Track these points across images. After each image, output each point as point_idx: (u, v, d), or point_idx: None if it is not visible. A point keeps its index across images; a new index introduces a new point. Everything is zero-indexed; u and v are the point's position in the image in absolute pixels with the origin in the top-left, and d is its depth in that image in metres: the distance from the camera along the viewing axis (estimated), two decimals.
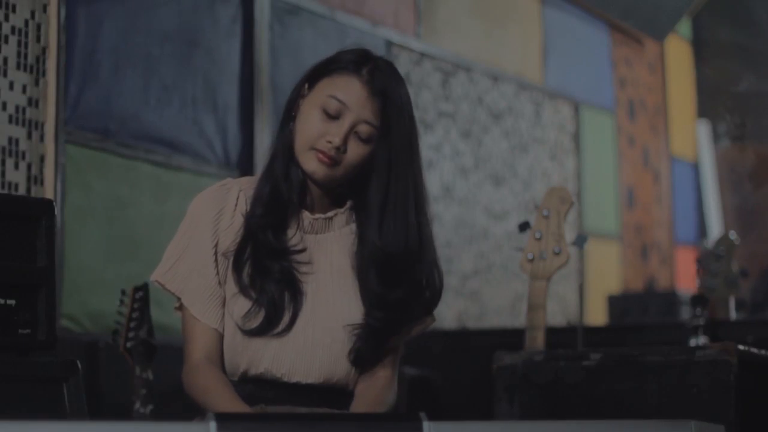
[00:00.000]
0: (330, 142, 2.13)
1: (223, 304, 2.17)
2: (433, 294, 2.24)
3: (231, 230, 2.18)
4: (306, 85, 2.21)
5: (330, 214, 2.21)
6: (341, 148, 2.13)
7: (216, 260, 2.17)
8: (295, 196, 2.19)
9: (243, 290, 2.14)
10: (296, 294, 2.15)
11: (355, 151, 2.15)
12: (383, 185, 2.16)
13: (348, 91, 2.15)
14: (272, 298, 2.12)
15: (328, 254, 2.20)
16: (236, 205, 2.20)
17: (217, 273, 2.17)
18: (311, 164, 2.14)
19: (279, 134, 2.23)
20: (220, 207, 2.19)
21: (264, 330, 2.13)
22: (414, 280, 2.19)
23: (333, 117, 2.15)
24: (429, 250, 2.22)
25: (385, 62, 2.21)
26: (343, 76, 2.17)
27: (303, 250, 2.18)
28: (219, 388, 2.09)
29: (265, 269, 2.14)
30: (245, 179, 2.25)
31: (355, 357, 2.15)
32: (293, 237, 2.19)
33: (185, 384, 2.15)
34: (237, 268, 2.15)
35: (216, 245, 2.17)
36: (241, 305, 2.14)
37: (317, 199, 2.22)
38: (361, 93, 2.15)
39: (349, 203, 2.24)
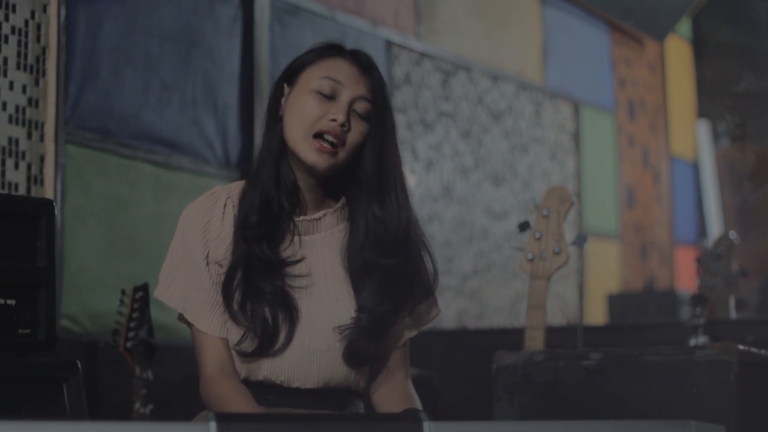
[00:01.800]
0: (334, 120, 2.11)
1: (225, 312, 2.17)
2: (427, 276, 2.21)
3: (221, 239, 2.16)
4: (284, 85, 2.20)
5: (318, 215, 2.20)
6: (345, 125, 2.12)
7: (209, 270, 2.16)
8: (286, 201, 2.16)
9: (233, 317, 2.13)
10: (291, 311, 2.13)
11: (357, 129, 2.14)
12: (378, 159, 2.15)
13: (340, 70, 2.15)
14: (265, 321, 2.10)
15: (320, 258, 2.19)
16: (224, 213, 2.17)
17: (213, 283, 2.15)
18: (311, 156, 2.12)
19: (264, 139, 2.21)
20: (208, 218, 2.17)
21: (260, 352, 2.12)
22: (407, 255, 2.18)
23: (329, 97, 2.14)
24: (416, 228, 2.21)
25: (360, 50, 2.23)
26: (329, 59, 2.17)
27: (299, 261, 2.16)
28: (236, 397, 2.07)
29: (257, 291, 2.12)
30: (234, 185, 2.23)
31: (349, 358, 2.14)
32: (288, 247, 2.17)
33: (203, 397, 2.13)
34: (226, 296, 2.13)
35: (207, 255, 2.15)
36: (233, 333, 2.13)
37: (308, 199, 2.20)
38: (353, 70, 2.16)
39: (341, 201, 2.23)
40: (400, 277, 2.16)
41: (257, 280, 2.13)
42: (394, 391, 2.19)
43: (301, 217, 2.19)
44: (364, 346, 2.14)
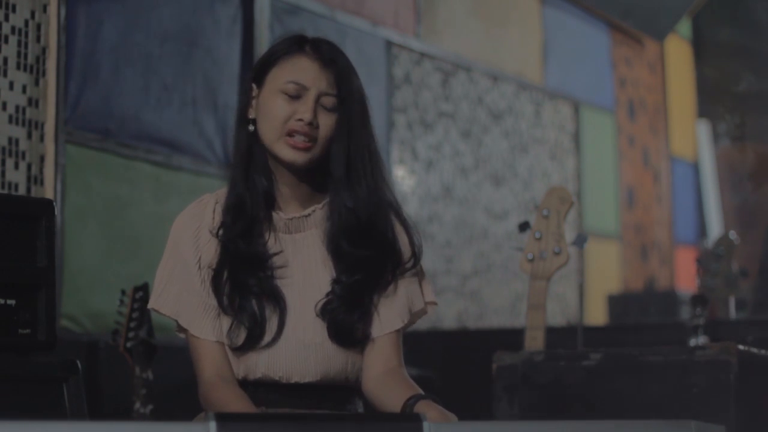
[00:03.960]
0: (301, 119, 2.14)
1: (219, 315, 2.17)
2: (400, 246, 2.22)
3: (212, 244, 2.18)
4: (253, 86, 2.22)
5: (307, 211, 2.22)
6: (313, 123, 2.14)
7: (201, 275, 2.17)
8: (261, 201, 2.19)
9: (224, 311, 2.15)
10: (278, 301, 2.15)
11: (326, 123, 2.16)
12: (344, 149, 2.17)
13: (301, 70, 2.17)
14: (252, 313, 2.13)
15: (307, 252, 2.20)
16: (213, 218, 2.20)
17: (205, 287, 2.17)
18: (288, 153, 2.15)
19: (234, 141, 2.23)
20: (198, 224, 2.20)
21: (250, 345, 2.14)
22: (377, 240, 2.19)
23: (295, 98, 2.16)
24: (390, 206, 2.22)
25: (322, 38, 2.23)
26: (291, 58, 2.19)
27: (278, 253, 2.18)
28: (234, 402, 2.08)
29: (243, 285, 2.14)
30: (222, 191, 2.25)
31: (336, 335, 2.15)
32: (267, 241, 2.19)
33: (202, 403, 2.15)
34: (217, 291, 2.15)
35: (199, 260, 2.18)
36: (224, 324, 2.15)
37: (292, 195, 2.22)
38: (313, 67, 2.18)
39: (328, 197, 2.24)
40: (374, 251, 2.19)
41: (241, 276, 2.15)
42: (394, 378, 2.18)
43: (291, 215, 2.20)
44: (343, 315, 2.15)
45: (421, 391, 2.11)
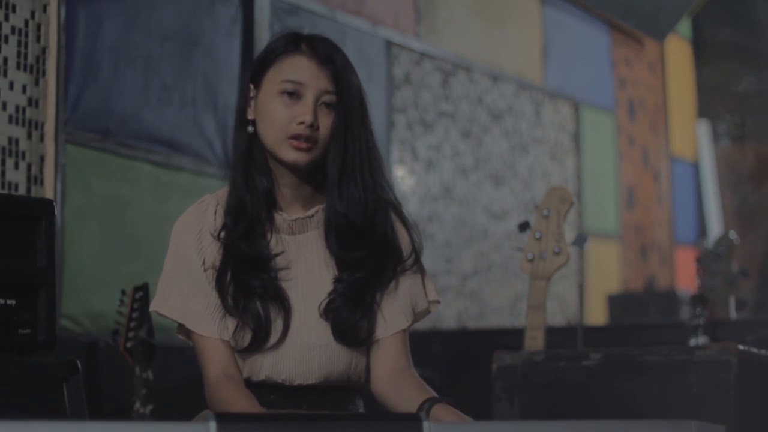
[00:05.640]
0: (302, 122, 2.13)
1: (225, 315, 2.17)
2: (400, 245, 2.22)
3: (214, 246, 2.18)
4: (251, 86, 2.21)
5: (310, 212, 2.21)
6: (314, 125, 2.14)
7: (207, 276, 2.16)
8: (262, 203, 2.18)
9: (229, 312, 2.14)
10: (283, 303, 2.15)
11: (326, 123, 2.16)
12: (341, 149, 2.16)
13: (299, 69, 2.16)
14: (257, 315, 2.12)
15: (310, 253, 2.20)
16: (215, 221, 2.19)
17: (212, 288, 2.16)
18: (291, 155, 2.14)
19: (234, 142, 2.23)
20: (200, 226, 2.19)
21: (255, 347, 2.13)
22: (375, 240, 2.19)
23: (294, 98, 2.15)
24: (388, 208, 2.22)
25: (318, 35, 2.22)
26: (287, 58, 2.18)
27: (281, 254, 2.18)
28: (240, 401, 2.07)
29: (247, 287, 2.14)
30: (222, 191, 2.24)
31: (340, 334, 2.15)
32: (269, 242, 2.18)
33: (207, 402, 2.14)
34: (221, 291, 2.15)
35: (204, 262, 2.17)
36: (229, 326, 2.15)
37: (294, 195, 2.21)
38: (311, 65, 2.17)
39: None
40: (371, 252, 2.18)
41: (244, 277, 2.14)
42: (405, 379, 2.18)
43: (294, 216, 2.20)
44: (346, 314, 2.15)
45: (434, 393, 2.10)
